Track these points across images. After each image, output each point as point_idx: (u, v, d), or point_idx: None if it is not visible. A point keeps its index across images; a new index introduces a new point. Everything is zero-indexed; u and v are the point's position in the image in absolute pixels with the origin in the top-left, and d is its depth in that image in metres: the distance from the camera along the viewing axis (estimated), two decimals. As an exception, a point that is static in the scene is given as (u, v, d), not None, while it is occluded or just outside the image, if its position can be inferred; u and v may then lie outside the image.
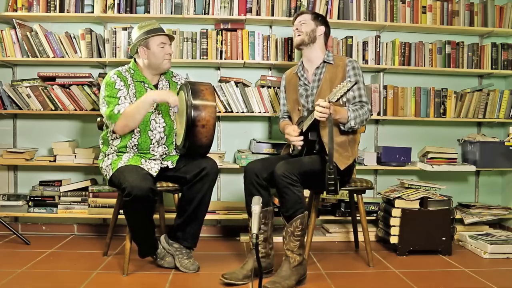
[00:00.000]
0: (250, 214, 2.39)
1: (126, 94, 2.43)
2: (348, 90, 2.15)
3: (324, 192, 2.91)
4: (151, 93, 2.41)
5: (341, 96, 2.17)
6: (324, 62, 2.56)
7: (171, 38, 2.57)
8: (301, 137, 2.45)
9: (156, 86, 2.55)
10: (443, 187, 3.02)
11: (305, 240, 2.43)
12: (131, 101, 2.43)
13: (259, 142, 3.10)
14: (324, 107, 2.21)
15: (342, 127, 2.43)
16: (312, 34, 2.54)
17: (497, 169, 3.36)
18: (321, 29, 2.57)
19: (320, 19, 2.58)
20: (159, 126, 2.50)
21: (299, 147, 2.48)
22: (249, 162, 2.52)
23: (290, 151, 2.65)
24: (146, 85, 2.51)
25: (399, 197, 2.84)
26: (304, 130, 2.43)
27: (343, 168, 2.44)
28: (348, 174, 2.53)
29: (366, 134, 3.18)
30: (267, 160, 2.53)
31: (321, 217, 3.21)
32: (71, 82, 3.07)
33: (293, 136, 2.47)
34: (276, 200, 2.96)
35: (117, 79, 2.44)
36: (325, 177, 2.24)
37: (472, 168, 3.22)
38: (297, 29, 2.56)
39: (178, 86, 2.64)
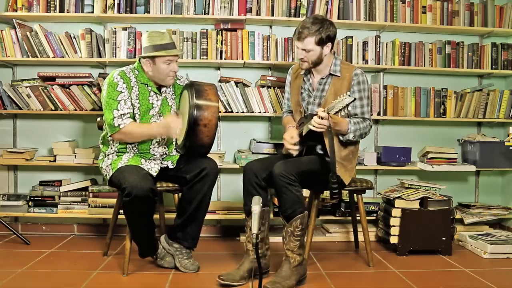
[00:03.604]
0: (247, 214, 2.39)
1: (127, 98, 2.40)
2: (347, 105, 2.11)
3: (324, 192, 2.92)
4: (159, 130, 2.39)
5: (340, 110, 2.14)
6: (330, 74, 2.49)
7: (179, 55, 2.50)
8: (297, 147, 2.42)
9: (159, 89, 2.53)
10: (443, 187, 3.03)
11: (305, 240, 2.43)
12: (133, 104, 2.42)
13: (259, 142, 3.10)
14: (322, 118, 2.19)
15: (340, 137, 2.41)
16: (318, 60, 2.44)
17: (497, 169, 3.36)
18: (328, 46, 2.42)
19: (326, 31, 2.37)
20: (162, 138, 2.50)
21: (294, 154, 2.46)
22: (248, 162, 2.51)
23: None
24: (150, 88, 2.49)
25: (399, 197, 2.84)
26: (303, 134, 2.42)
27: (348, 182, 2.45)
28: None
29: (366, 134, 3.18)
30: (266, 160, 2.52)
31: (321, 217, 3.21)
32: (71, 82, 3.07)
33: (289, 144, 2.44)
34: (276, 200, 2.96)
35: (120, 80, 2.40)
36: (323, 178, 2.24)
37: (472, 168, 3.22)
38: (302, 58, 2.42)
39: None
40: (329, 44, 2.42)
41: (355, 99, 2.15)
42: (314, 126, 2.24)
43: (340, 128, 2.35)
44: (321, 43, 2.38)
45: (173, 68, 2.43)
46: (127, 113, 2.39)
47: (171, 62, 2.41)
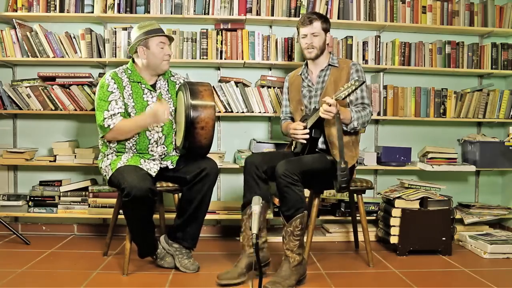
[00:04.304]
0: (244, 206, 2.40)
1: (118, 98, 2.42)
2: (356, 88, 2.19)
3: (324, 192, 2.92)
4: (147, 119, 2.36)
5: (349, 94, 2.21)
6: (330, 65, 2.59)
7: (170, 39, 2.57)
8: (307, 131, 2.46)
9: (153, 86, 2.54)
10: (443, 187, 3.02)
11: (305, 240, 2.43)
12: (126, 104, 2.43)
13: (259, 142, 3.10)
14: (330, 105, 2.24)
15: (344, 127, 2.44)
16: (323, 47, 2.58)
17: (497, 169, 3.36)
18: (329, 35, 2.60)
19: (327, 22, 2.59)
20: (157, 126, 2.50)
21: (304, 141, 2.48)
22: (250, 155, 2.53)
23: (292, 148, 2.65)
24: (143, 86, 2.51)
25: (399, 197, 2.84)
26: (308, 127, 2.44)
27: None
28: (350, 174, 2.53)
29: (366, 134, 3.18)
30: (267, 154, 2.56)
31: (321, 217, 3.21)
32: (71, 82, 3.07)
33: (299, 130, 2.48)
34: (276, 200, 2.96)
35: (111, 81, 2.44)
36: (325, 177, 2.24)
37: (472, 168, 3.22)
38: (311, 43, 2.53)
39: (177, 86, 2.63)
40: (328, 35, 2.61)
41: (364, 81, 2.26)
42: (322, 113, 2.28)
43: (344, 116, 2.39)
44: (324, 29, 2.57)
45: (167, 51, 2.50)
46: (118, 113, 2.41)
47: (164, 45, 2.49)
